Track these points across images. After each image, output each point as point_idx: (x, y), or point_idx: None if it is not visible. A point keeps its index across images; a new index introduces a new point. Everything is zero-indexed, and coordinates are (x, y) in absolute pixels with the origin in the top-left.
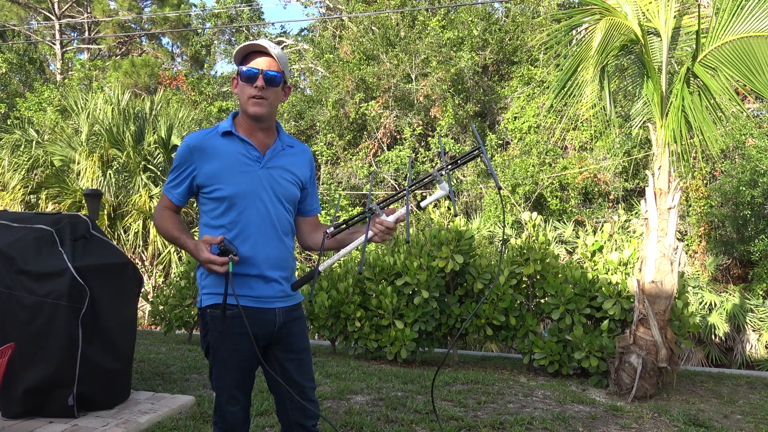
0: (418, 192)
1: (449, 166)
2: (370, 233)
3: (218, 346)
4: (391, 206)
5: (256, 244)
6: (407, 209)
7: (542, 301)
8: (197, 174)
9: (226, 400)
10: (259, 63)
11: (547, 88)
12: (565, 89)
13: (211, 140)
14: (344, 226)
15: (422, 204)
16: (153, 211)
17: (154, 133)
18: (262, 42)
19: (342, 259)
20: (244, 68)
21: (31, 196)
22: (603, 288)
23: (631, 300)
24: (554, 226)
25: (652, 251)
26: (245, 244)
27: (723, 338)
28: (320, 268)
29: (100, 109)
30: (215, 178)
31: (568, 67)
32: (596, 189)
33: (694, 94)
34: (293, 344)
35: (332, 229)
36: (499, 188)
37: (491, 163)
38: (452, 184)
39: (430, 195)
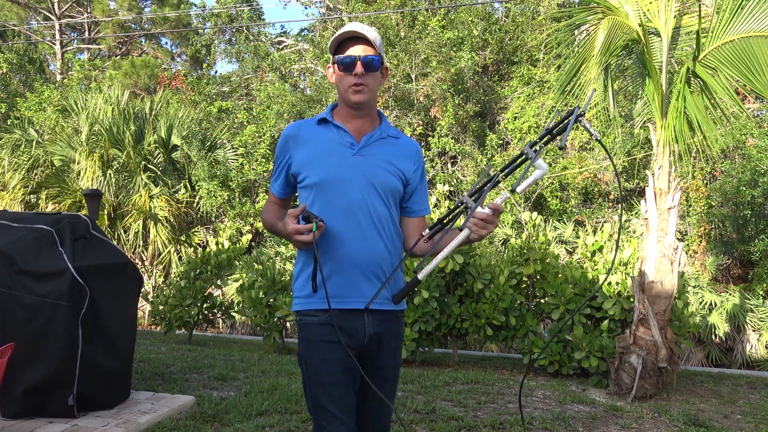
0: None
1: (544, 140)
2: (466, 231)
3: (308, 356)
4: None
5: (343, 238)
6: (481, 196)
7: (542, 301)
8: (291, 163)
9: (323, 420)
10: (356, 50)
11: (548, 88)
12: (568, 89)
13: (306, 128)
14: (439, 225)
15: (518, 189)
16: (150, 211)
17: (154, 133)
18: (356, 27)
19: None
20: (340, 57)
21: (31, 196)
22: (603, 288)
23: (631, 300)
24: (554, 226)
25: (652, 251)
26: (331, 237)
27: (723, 338)
28: (420, 276)
29: (100, 109)
30: (305, 164)
31: (571, 66)
32: (596, 189)
33: (695, 94)
34: (379, 360)
35: (428, 231)
36: (618, 179)
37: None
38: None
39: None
